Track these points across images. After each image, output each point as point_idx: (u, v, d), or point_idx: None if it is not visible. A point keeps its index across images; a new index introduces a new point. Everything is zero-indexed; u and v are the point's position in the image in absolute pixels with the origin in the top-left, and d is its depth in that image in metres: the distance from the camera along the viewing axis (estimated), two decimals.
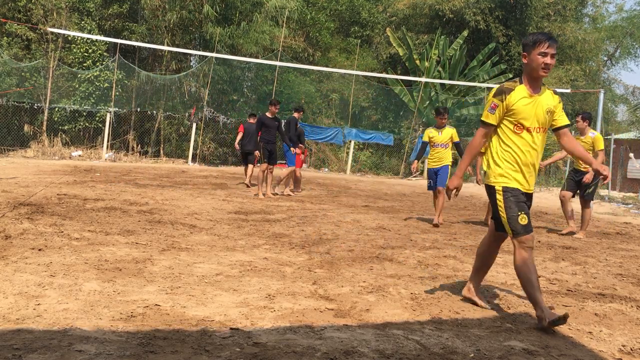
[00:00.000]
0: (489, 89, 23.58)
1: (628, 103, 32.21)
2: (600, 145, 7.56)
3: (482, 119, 3.78)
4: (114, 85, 19.72)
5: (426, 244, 6.18)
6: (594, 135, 7.64)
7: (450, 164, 8.10)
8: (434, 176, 8.09)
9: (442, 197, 7.96)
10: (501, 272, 4.96)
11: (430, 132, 8.19)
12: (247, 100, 23.26)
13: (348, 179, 18.26)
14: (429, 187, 8.27)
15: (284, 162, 12.19)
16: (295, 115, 11.14)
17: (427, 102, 24.97)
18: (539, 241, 7.00)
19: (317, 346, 2.83)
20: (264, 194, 10.18)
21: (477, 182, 8.37)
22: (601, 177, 3.88)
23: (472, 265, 4.04)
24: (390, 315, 3.48)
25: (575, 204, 8.24)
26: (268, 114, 10.14)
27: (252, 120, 12.62)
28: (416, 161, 8.67)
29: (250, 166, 12.48)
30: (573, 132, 8.03)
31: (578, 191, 7.94)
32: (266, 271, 4.42)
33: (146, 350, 2.65)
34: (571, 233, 7.70)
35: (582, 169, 7.75)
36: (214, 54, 18.39)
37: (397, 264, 5.01)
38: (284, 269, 4.53)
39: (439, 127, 8.12)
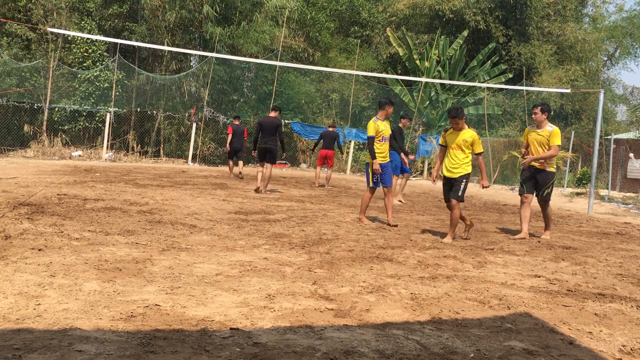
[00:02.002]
0: (489, 89, 23.61)
1: (628, 103, 32.20)
2: (556, 140, 7.05)
3: (440, 143, 6.60)
4: (114, 85, 19.72)
5: (426, 244, 6.18)
6: (551, 129, 7.13)
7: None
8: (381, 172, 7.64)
9: (391, 196, 7.75)
10: (501, 272, 4.96)
11: (380, 125, 7.64)
12: (247, 100, 23.27)
13: (348, 179, 18.26)
14: (375, 184, 7.64)
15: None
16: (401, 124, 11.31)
17: (427, 102, 24.97)
18: (539, 241, 7.00)
19: (317, 346, 2.83)
20: (258, 190, 10.72)
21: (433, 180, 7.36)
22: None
23: None
24: (390, 315, 3.48)
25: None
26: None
27: (237, 122, 14.88)
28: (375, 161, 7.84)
29: (240, 162, 14.61)
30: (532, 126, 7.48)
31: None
32: (266, 271, 4.42)
33: (146, 350, 2.65)
34: (522, 239, 7.07)
35: (536, 166, 7.26)
36: (214, 54, 18.39)
37: (397, 264, 5.01)
38: (284, 269, 4.53)
39: (385, 119, 7.72)
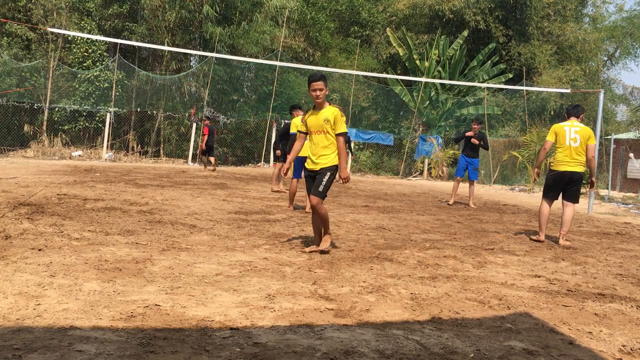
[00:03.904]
0: (489, 89, 23.60)
1: (628, 103, 32.17)
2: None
3: (298, 129, 5.75)
4: (114, 85, 19.73)
5: (426, 244, 6.18)
6: None
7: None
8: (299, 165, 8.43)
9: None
10: (501, 272, 4.96)
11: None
12: (247, 100, 23.28)
13: None
14: (301, 176, 8.35)
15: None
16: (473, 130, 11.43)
17: (427, 102, 24.97)
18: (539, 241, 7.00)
19: (317, 346, 2.83)
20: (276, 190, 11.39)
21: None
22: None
23: None
24: (390, 315, 3.48)
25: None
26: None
27: (210, 123, 17.32)
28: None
29: (212, 158, 16.98)
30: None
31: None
32: (266, 271, 4.42)
33: (146, 350, 2.65)
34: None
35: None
36: (214, 54, 18.41)
37: (397, 264, 5.01)
38: (284, 269, 4.53)
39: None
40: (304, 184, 5.82)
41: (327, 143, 5.33)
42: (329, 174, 5.31)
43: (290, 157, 5.67)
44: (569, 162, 6.95)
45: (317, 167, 5.36)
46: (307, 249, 5.39)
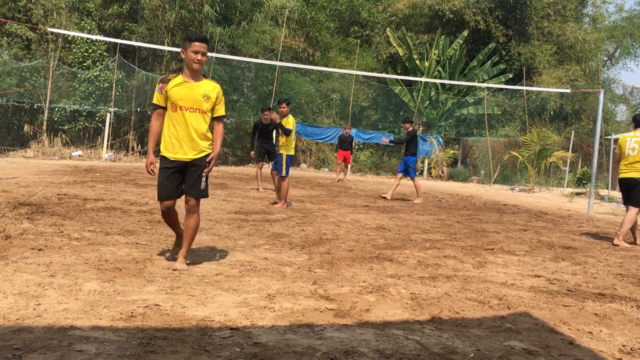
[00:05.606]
0: (489, 89, 23.60)
1: (628, 103, 32.18)
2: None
3: (153, 102, 4.28)
4: (114, 85, 19.72)
5: (426, 244, 6.18)
6: None
7: (285, 152, 8.89)
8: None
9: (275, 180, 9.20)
10: (501, 272, 4.96)
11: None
12: (247, 100, 23.28)
13: (348, 179, 18.26)
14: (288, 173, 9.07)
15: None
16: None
17: (427, 102, 24.97)
18: (539, 241, 7.00)
19: (317, 346, 2.83)
20: (257, 190, 11.41)
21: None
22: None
23: None
24: (390, 315, 3.47)
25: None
26: (262, 120, 11.21)
27: None
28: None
29: None
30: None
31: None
32: (266, 271, 4.42)
33: (146, 350, 2.65)
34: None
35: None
36: (214, 54, 18.40)
37: (397, 264, 5.01)
38: (284, 269, 4.53)
39: (283, 116, 9.02)
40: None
41: (204, 126, 4.23)
42: (208, 165, 4.30)
43: (149, 145, 4.33)
44: (627, 170, 7.45)
45: (189, 157, 4.22)
46: (176, 265, 4.29)
